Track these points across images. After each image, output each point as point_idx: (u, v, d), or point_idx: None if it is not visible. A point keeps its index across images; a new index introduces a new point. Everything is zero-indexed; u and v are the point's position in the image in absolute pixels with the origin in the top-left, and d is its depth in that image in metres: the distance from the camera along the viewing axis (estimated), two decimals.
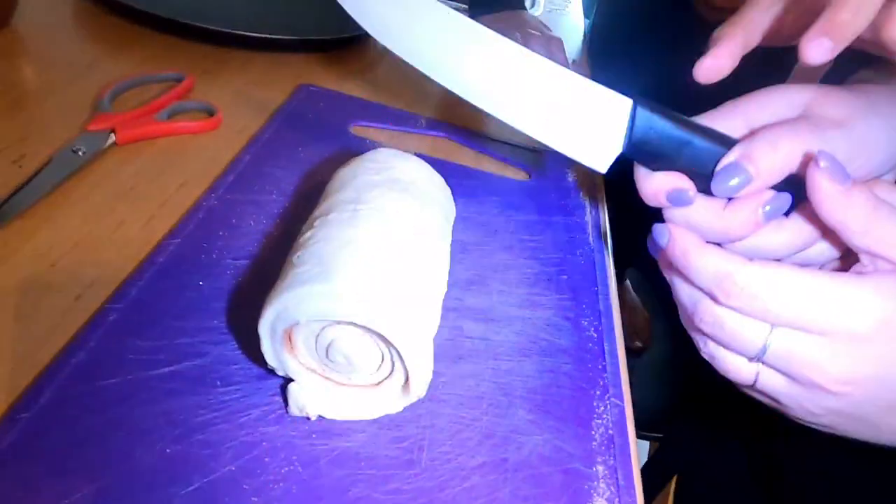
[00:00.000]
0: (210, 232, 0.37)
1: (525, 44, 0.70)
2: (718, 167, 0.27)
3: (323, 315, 0.26)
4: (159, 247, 0.35)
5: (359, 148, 0.48)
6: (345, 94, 0.56)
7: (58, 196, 0.37)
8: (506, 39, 0.30)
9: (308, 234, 0.30)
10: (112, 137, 0.42)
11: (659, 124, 0.27)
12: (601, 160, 0.30)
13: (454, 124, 0.56)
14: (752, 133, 0.28)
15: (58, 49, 0.52)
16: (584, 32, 0.90)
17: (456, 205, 0.40)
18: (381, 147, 0.39)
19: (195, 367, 0.29)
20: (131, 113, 0.44)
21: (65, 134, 0.42)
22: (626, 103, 0.28)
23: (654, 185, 0.29)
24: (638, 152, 0.28)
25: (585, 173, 0.54)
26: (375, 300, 0.26)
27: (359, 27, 0.51)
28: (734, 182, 0.27)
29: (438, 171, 0.48)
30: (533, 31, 0.72)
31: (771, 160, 0.26)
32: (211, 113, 0.48)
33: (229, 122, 0.48)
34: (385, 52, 0.66)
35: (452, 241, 0.37)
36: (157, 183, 0.40)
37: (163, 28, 0.57)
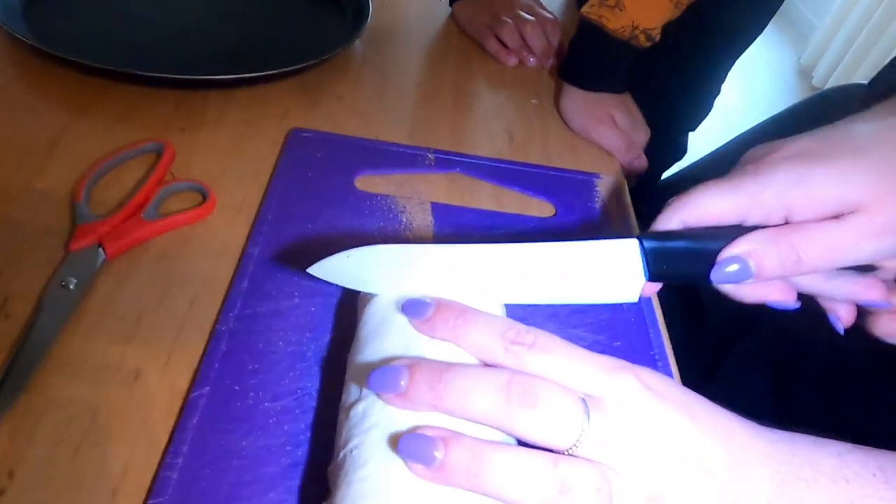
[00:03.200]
0: (239, 369, 0.33)
1: (520, 30, 0.64)
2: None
3: None
4: (188, 403, 0.31)
5: (370, 209, 0.44)
6: (340, 136, 0.50)
7: (59, 355, 0.33)
8: (506, 246, 0.31)
9: (360, 406, 0.26)
10: (101, 254, 0.37)
11: (668, 247, 0.29)
12: (632, 294, 0.31)
13: (463, 153, 0.51)
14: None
15: (7, 126, 0.46)
16: None
17: None
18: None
19: None
20: (117, 216, 0.39)
21: (47, 255, 0.37)
22: (633, 244, 0.29)
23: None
24: (661, 276, 0.29)
25: (613, 197, 0.50)
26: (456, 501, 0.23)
27: (336, 46, 0.45)
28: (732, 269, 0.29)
29: (457, 221, 0.44)
30: (525, 15, 0.65)
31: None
32: (203, 194, 0.42)
33: (225, 200, 0.43)
34: (367, 64, 0.60)
35: None
36: (165, 306, 0.36)
37: (126, 80, 0.50)
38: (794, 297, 0.32)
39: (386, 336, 0.28)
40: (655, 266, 0.28)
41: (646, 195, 0.55)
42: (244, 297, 0.37)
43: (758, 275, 0.29)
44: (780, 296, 0.32)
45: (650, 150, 0.58)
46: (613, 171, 0.54)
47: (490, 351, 0.26)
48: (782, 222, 0.29)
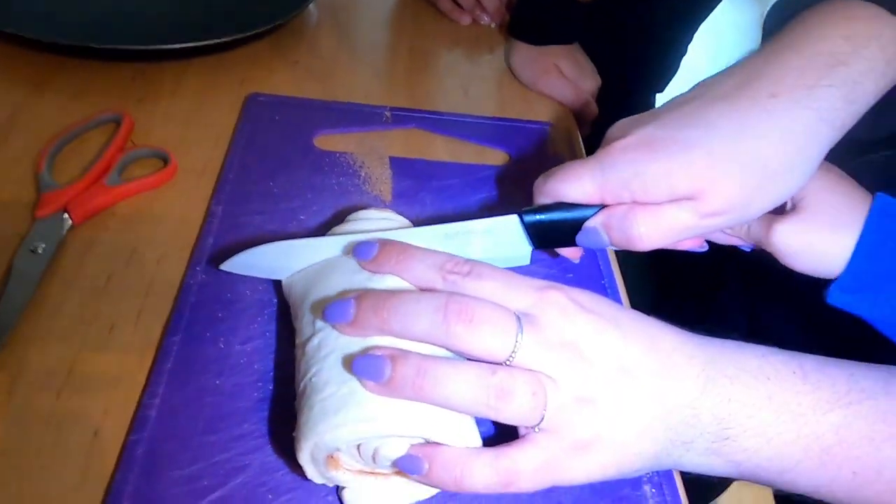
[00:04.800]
0: (209, 317, 0.35)
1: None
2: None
3: (361, 438, 0.25)
4: (161, 349, 0.33)
5: (328, 166, 0.46)
6: (297, 99, 0.51)
7: (34, 312, 0.34)
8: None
9: (315, 340, 0.28)
10: (68, 220, 0.38)
11: (543, 220, 0.33)
12: (523, 259, 0.36)
13: (419, 109, 0.53)
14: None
15: None
16: None
17: (440, 209, 0.40)
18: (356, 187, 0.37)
19: (242, 485, 0.29)
20: (80, 183, 0.40)
21: (14, 226, 0.38)
22: (513, 219, 0.34)
23: None
24: (542, 243, 0.34)
25: (565, 144, 0.52)
26: (409, 409, 0.25)
27: (290, 11, 0.45)
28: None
29: (416, 174, 0.46)
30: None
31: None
32: (164, 159, 0.44)
33: (186, 164, 0.44)
34: (322, 28, 0.61)
35: None
36: (133, 266, 0.37)
37: (81, 55, 0.51)
38: (701, 242, 0.37)
39: (327, 280, 0.31)
40: (535, 236, 0.32)
41: None
42: (210, 251, 0.38)
43: (611, 244, 0.33)
44: (690, 244, 0.36)
45: (618, 114, 0.60)
46: (565, 119, 0.56)
47: (430, 280, 0.28)
48: (632, 202, 0.32)
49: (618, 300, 0.41)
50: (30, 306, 0.34)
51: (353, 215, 0.38)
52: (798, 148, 0.30)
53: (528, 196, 0.36)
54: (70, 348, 0.33)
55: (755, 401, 0.27)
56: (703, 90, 0.33)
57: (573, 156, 0.51)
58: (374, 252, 0.30)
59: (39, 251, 0.36)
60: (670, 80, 0.89)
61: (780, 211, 0.36)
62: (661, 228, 0.31)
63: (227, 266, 0.35)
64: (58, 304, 0.35)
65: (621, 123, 0.34)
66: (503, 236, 0.35)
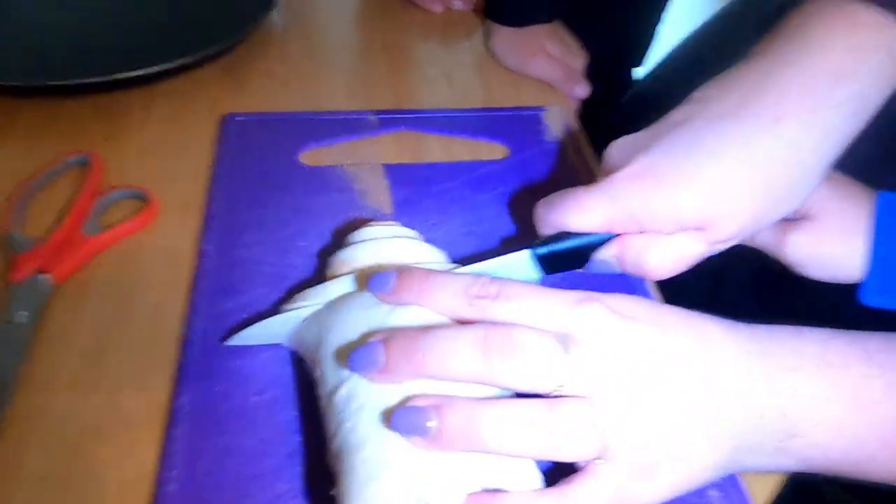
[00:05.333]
0: (218, 369, 0.32)
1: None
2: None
3: (414, 500, 0.23)
4: (171, 414, 0.30)
5: (319, 184, 0.43)
6: (276, 115, 0.48)
7: (22, 393, 0.31)
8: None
9: (343, 390, 0.26)
10: (48, 280, 0.35)
11: (554, 252, 0.32)
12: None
13: (406, 109, 0.50)
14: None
15: None
16: None
17: (445, 215, 0.39)
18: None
19: None
20: (55, 237, 0.37)
21: None
22: (525, 255, 0.32)
23: None
24: (553, 271, 0.33)
25: (563, 128, 0.50)
26: (462, 459, 0.23)
27: (253, 18, 0.42)
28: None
29: (413, 180, 0.43)
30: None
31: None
32: (143, 199, 0.40)
33: (168, 201, 0.41)
34: (290, 34, 0.57)
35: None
36: (127, 322, 0.34)
37: (35, 94, 0.47)
38: None
39: (343, 320, 0.28)
40: (546, 265, 0.32)
41: (598, 127, 0.55)
42: (209, 296, 0.35)
43: (624, 270, 0.32)
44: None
45: (597, 88, 0.57)
46: (559, 101, 0.53)
47: (456, 308, 0.26)
48: (640, 231, 0.31)
49: (646, 295, 0.39)
50: (17, 385, 0.31)
51: (357, 234, 0.35)
52: (804, 169, 0.30)
53: (532, 195, 0.34)
54: (69, 429, 0.30)
55: (821, 392, 0.25)
56: (702, 107, 0.31)
57: (573, 139, 0.49)
58: (391, 283, 0.27)
59: (20, 321, 0.33)
60: (647, 52, 0.87)
61: (787, 218, 0.35)
62: (672, 259, 0.31)
63: (233, 341, 0.32)
64: (49, 380, 0.32)
65: (619, 146, 0.32)
66: (515, 271, 0.33)
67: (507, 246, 0.35)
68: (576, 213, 0.31)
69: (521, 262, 0.33)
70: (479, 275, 0.27)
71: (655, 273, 0.31)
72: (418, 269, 0.28)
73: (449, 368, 0.24)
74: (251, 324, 0.32)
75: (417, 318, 0.27)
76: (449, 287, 0.26)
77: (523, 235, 0.38)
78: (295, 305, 0.32)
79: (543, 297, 0.26)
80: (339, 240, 0.37)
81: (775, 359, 0.26)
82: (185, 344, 0.33)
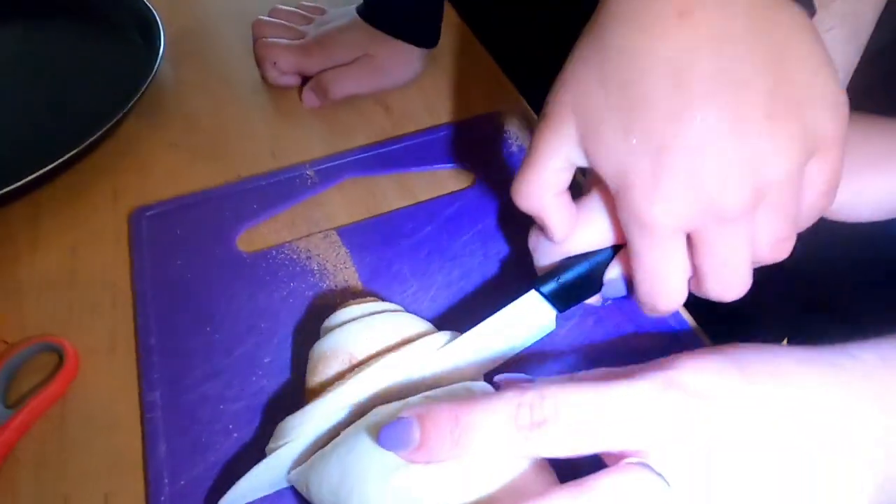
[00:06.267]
0: None
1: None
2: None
3: None
4: None
5: (270, 272, 0.35)
6: (193, 196, 0.40)
7: None
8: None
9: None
10: None
11: (561, 285, 0.30)
12: (549, 326, 0.31)
13: (343, 152, 0.43)
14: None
15: None
16: None
17: (424, 277, 0.34)
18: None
19: None
20: None
21: None
22: (533, 296, 0.30)
23: None
24: (567, 305, 0.31)
25: (525, 132, 0.43)
26: None
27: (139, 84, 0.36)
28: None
29: (375, 240, 0.37)
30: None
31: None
32: (56, 351, 0.32)
33: (87, 346, 0.33)
34: (187, 92, 0.48)
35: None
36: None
37: None
38: None
39: (364, 479, 0.22)
40: (559, 304, 0.30)
41: None
42: (171, 466, 0.28)
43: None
44: None
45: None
46: (510, 100, 0.46)
47: (508, 447, 0.21)
48: None
49: (684, 326, 0.33)
50: None
51: (330, 320, 0.30)
52: None
53: (517, 223, 0.30)
54: None
55: None
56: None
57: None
58: (416, 436, 0.21)
59: None
60: None
61: None
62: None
63: None
64: None
65: None
66: (527, 319, 0.30)
67: (507, 293, 0.30)
68: (577, 233, 0.29)
69: (532, 306, 0.30)
70: (519, 386, 0.22)
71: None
72: (441, 407, 0.21)
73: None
74: (235, 481, 0.26)
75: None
76: (490, 420, 0.21)
77: (522, 276, 0.32)
78: (281, 443, 0.26)
79: (604, 404, 0.21)
80: (309, 336, 0.31)
81: (875, 378, 0.23)
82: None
